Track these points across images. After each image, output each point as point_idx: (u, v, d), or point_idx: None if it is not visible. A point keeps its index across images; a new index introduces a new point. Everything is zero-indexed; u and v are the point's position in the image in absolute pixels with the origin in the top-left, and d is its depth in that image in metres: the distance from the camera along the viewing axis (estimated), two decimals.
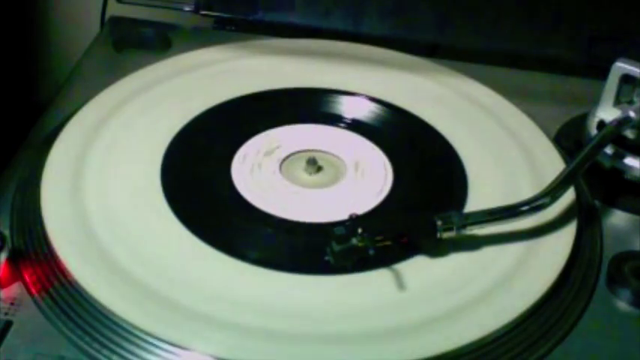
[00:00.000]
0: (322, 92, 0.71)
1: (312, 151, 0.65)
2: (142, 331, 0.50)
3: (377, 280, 0.54)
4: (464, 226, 0.55)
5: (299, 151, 0.65)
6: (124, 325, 0.50)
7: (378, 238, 0.53)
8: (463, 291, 0.54)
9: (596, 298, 0.56)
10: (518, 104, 0.70)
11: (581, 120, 0.68)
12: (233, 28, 0.81)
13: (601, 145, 0.61)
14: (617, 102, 0.65)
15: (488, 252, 0.57)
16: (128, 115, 0.66)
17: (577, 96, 0.73)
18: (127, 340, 0.50)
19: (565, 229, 0.58)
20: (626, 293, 0.56)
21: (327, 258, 0.53)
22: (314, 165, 0.63)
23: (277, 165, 0.64)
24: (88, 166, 0.61)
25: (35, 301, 0.53)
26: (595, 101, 0.66)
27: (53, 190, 0.59)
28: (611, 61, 0.64)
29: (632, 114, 0.63)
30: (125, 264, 0.54)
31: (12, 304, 0.53)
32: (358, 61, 0.74)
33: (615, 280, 0.56)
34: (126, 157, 0.63)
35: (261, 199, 0.60)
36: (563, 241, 0.58)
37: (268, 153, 0.65)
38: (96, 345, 0.50)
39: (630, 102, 0.64)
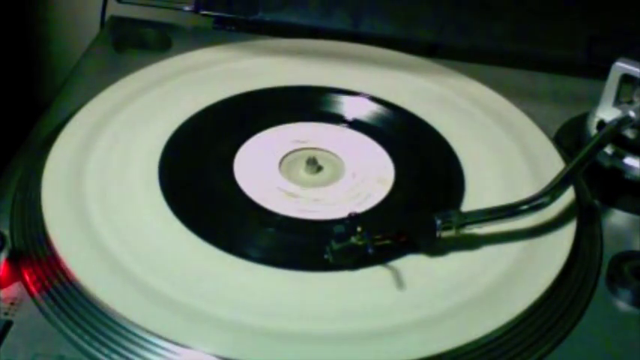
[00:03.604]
0: (322, 92, 0.71)
1: (313, 150, 0.65)
2: (142, 329, 0.50)
3: (376, 279, 0.54)
4: (463, 225, 0.55)
5: (299, 151, 0.65)
6: (124, 324, 0.50)
7: (378, 236, 0.53)
8: (462, 290, 0.54)
9: (596, 298, 0.56)
10: (518, 104, 0.70)
11: (581, 120, 0.68)
12: (233, 28, 0.81)
13: (601, 144, 0.61)
14: (617, 102, 0.65)
15: (488, 251, 0.57)
16: (128, 115, 0.66)
17: (577, 96, 0.73)
18: (127, 339, 0.50)
19: (565, 228, 0.58)
20: (626, 293, 0.56)
21: (326, 256, 0.53)
22: (314, 164, 0.63)
23: (277, 164, 0.64)
24: (88, 166, 0.61)
25: (35, 301, 0.53)
26: (595, 101, 0.66)
27: (53, 190, 0.59)
28: (611, 61, 0.64)
29: (632, 114, 0.63)
30: (125, 263, 0.54)
31: (12, 304, 0.53)
32: (358, 61, 0.74)
33: (615, 280, 0.56)
34: (126, 157, 0.63)
35: (262, 198, 0.60)
36: (562, 240, 0.58)
37: (267, 155, 0.65)
38: (96, 344, 0.50)
39: (630, 102, 0.64)
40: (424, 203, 0.61)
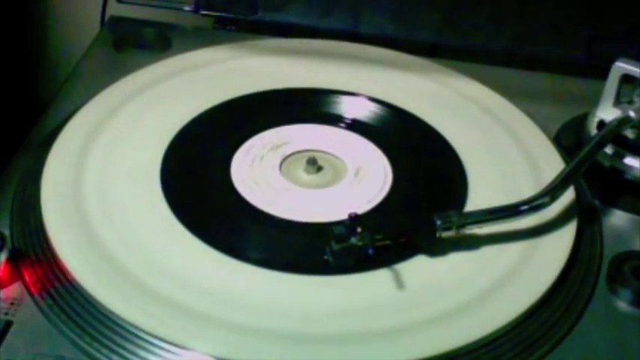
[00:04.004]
0: (322, 92, 0.71)
1: (313, 151, 0.65)
2: (141, 330, 0.50)
3: (376, 279, 0.54)
4: (463, 226, 0.55)
5: (299, 151, 0.65)
6: (124, 324, 0.50)
7: (378, 237, 0.53)
8: (463, 291, 0.54)
9: (596, 298, 0.56)
10: (518, 104, 0.70)
11: (581, 120, 0.68)
12: (233, 28, 0.81)
13: (601, 144, 0.61)
14: (617, 102, 0.65)
15: (488, 252, 0.57)
16: (128, 115, 0.66)
17: (577, 96, 0.73)
18: (126, 339, 0.50)
19: (565, 228, 0.58)
20: (626, 293, 0.56)
21: (326, 257, 0.53)
22: (314, 165, 0.63)
23: (277, 165, 0.64)
24: (88, 166, 0.61)
25: (35, 301, 0.53)
26: (595, 101, 0.66)
27: (53, 190, 0.59)
28: (611, 61, 0.64)
29: (632, 114, 0.63)
30: (125, 264, 0.54)
31: (12, 304, 0.53)
32: (358, 61, 0.74)
33: (615, 280, 0.56)
34: (126, 157, 0.63)
35: (261, 200, 0.60)
36: (562, 240, 0.58)
37: (267, 153, 0.65)
38: (96, 345, 0.50)
39: (630, 102, 0.64)
40: (424, 204, 0.61)
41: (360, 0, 0.79)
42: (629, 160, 0.64)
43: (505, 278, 0.55)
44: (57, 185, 0.59)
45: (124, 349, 0.50)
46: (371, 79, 0.72)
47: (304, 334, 0.51)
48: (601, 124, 0.65)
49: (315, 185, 0.62)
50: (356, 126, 0.68)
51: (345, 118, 0.69)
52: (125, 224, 0.57)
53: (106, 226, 0.57)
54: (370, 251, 0.52)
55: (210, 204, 0.60)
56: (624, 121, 0.63)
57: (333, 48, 0.76)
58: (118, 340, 0.50)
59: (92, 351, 0.50)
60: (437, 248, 0.56)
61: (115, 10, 0.81)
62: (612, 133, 0.62)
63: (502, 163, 0.64)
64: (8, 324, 0.51)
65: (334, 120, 0.69)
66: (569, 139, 0.69)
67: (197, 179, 0.62)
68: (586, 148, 0.60)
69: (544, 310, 0.54)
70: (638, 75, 0.63)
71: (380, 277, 0.54)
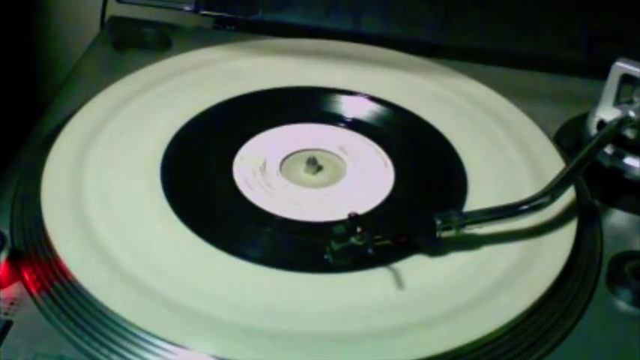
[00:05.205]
0: (322, 92, 0.71)
1: (313, 150, 0.65)
2: (141, 330, 0.50)
3: (376, 279, 0.54)
4: (463, 226, 0.55)
5: (299, 151, 0.65)
6: (124, 324, 0.50)
7: (378, 237, 0.53)
8: (463, 291, 0.54)
9: (596, 298, 0.56)
10: (518, 104, 0.70)
11: (581, 120, 0.68)
12: (233, 28, 0.81)
13: (601, 144, 0.62)
14: (617, 102, 0.65)
15: (488, 251, 0.57)
16: (128, 115, 0.66)
17: (577, 96, 0.73)
18: (126, 339, 0.50)
19: (565, 228, 0.58)
20: (626, 293, 0.56)
21: (326, 257, 0.53)
22: (314, 165, 0.63)
23: (277, 164, 0.64)
24: (88, 166, 0.61)
25: (35, 301, 0.53)
26: (595, 101, 0.66)
27: (53, 190, 0.59)
28: (611, 61, 0.64)
29: (632, 114, 0.63)
30: (125, 264, 0.54)
31: (12, 304, 0.53)
32: (358, 61, 0.74)
33: (615, 280, 0.56)
34: (126, 157, 0.63)
35: (262, 199, 0.60)
36: (563, 240, 0.58)
37: (267, 153, 0.65)
38: (95, 344, 0.50)
39: (630, 102, 0.64)
40: (424, 203, 0.61)
41: (360, 0, 0.79)
42: (629, 160, 0.64)
43: (505, 278, 0.55)
44: (57, 185, 0.59)
45: (124, 348, 0.50)
46: (371, 79, 0.72)
47: (303, 333, 0.51)
48: (601, 124, 0.65)
49: (315, 185, 0.62)
50: (356, 126, 0.68)
51: (345, 117, 0.69)
52: (125, 224, 0.57)
53: (106, 226, 0.57)
54: (370, 251, 0.52)
55: (210, 203, 0.60)
56: (624, 121, 0.63)
57: (333, 48, 0.76)
58: (118, 339, 0.50)
59: (92, 351, 0.50)
60: (437, 248, 0.56)
61: (115, 10, 0.81)
62: (612, 133, 0.62)
63: (502, 162, 0.64)
64: (8, 324, 0.51)
65: (334, 120, 0.69)
66: (569, 139, 0.69)
67: (197, 179, 0.62)
68: (586, 148, 0.60)
69: (544, 310, 0.54)
70: (638, 75, 0.63)
71: (380, 276, 0.54)
